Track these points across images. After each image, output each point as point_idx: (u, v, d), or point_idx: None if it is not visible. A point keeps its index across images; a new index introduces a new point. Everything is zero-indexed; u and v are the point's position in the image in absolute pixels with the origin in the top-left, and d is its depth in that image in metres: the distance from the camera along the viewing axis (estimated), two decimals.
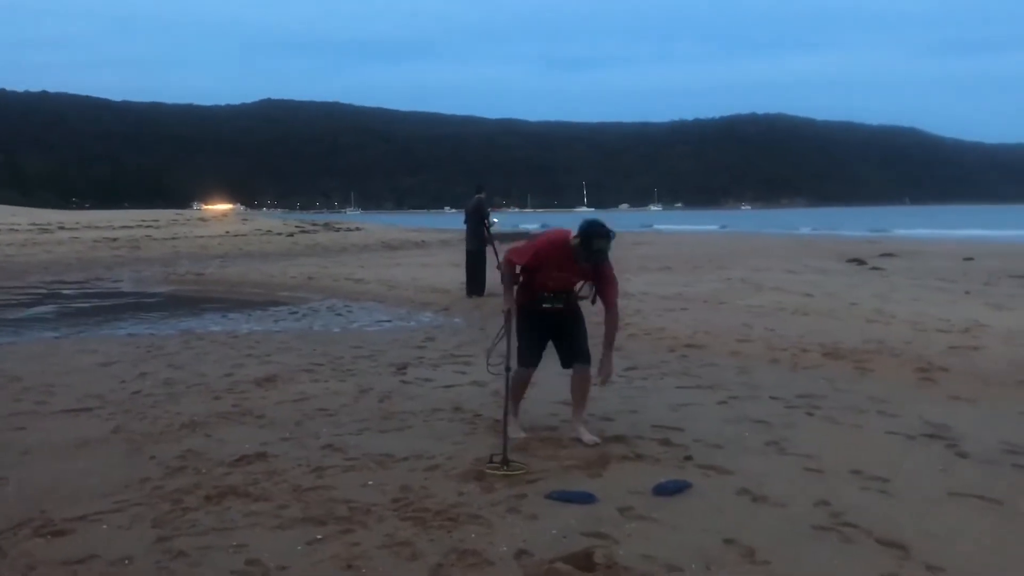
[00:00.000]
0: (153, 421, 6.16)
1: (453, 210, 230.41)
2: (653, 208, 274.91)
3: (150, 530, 4.05)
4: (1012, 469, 4.86)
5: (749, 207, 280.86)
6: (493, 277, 14.56)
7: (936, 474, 4.79)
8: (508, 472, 4.79)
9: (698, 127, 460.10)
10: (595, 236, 5.08)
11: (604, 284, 5.32)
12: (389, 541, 3.85)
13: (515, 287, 5.53)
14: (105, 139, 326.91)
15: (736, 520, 4.08)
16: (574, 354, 5.45)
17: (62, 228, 36.02)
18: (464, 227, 15.21)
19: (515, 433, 5.35)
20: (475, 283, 14.52)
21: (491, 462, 4.91)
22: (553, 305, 5.39)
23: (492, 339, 5.64)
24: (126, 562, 3.69)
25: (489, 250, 14.14)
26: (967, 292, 13.40)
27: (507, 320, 5.50)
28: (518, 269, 5.49)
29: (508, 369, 5.36)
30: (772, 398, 6.68)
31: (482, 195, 15.09)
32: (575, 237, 5.15)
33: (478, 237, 14.51)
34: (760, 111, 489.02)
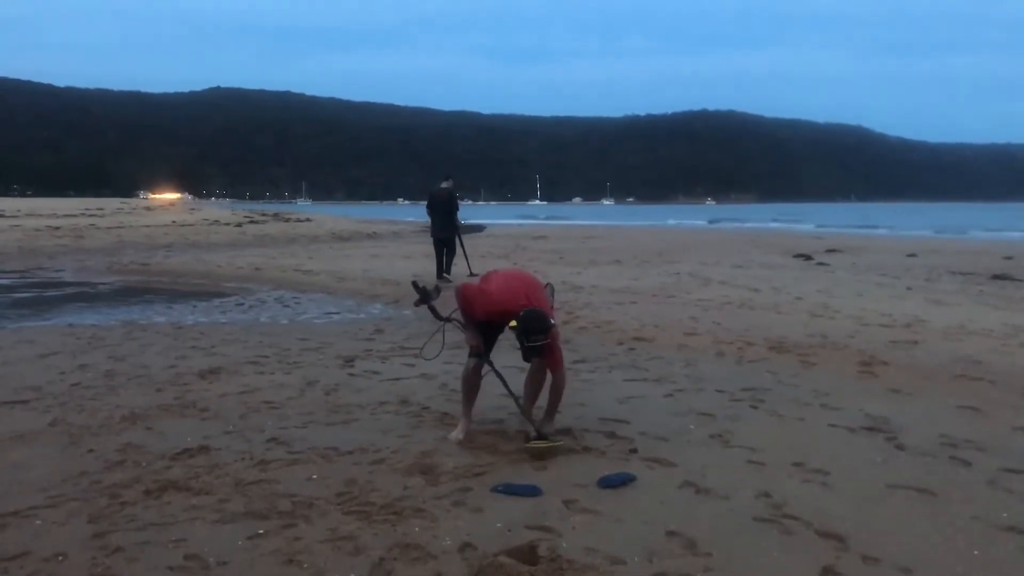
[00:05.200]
0: (92, 414, 6.02)
1: (407, 201, 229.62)
2: (605, 202, 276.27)
3: (86, 525, 3.96)
4: (948, 462, 4.97)
5: (713, 202, 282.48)
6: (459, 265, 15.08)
7: (875, 466, 4.87)
8: (550, 444, 4.98)
9: (650, 123, 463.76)
10: (531, 332, 4.90)
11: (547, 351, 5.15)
12: (332, 535, 3.81)
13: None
14: (49, 125, 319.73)
15: (679, 512, 4.12)
16: (533, 350, 5.37)
17: (2, 216, 35.10)
18: (427, 214, 15.92)
19: (458, 435, 5.32)
20: (444, 266, 15.53)
21: (528, 440, 5.07)
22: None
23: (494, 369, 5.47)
24: (60, 558, 3.60)
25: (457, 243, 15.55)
26: (909, 288, 13.71)
27: (478, 354, 5.43)
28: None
29: (491, 364, 5.40)
30: (717, 391, 6.75)
31: (449, 184, 15.52)
32: (512, 323, 4.96)
33: (448, 227, 15.41)
34: (711, 107, 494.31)
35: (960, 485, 4.55)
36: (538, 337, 4.92)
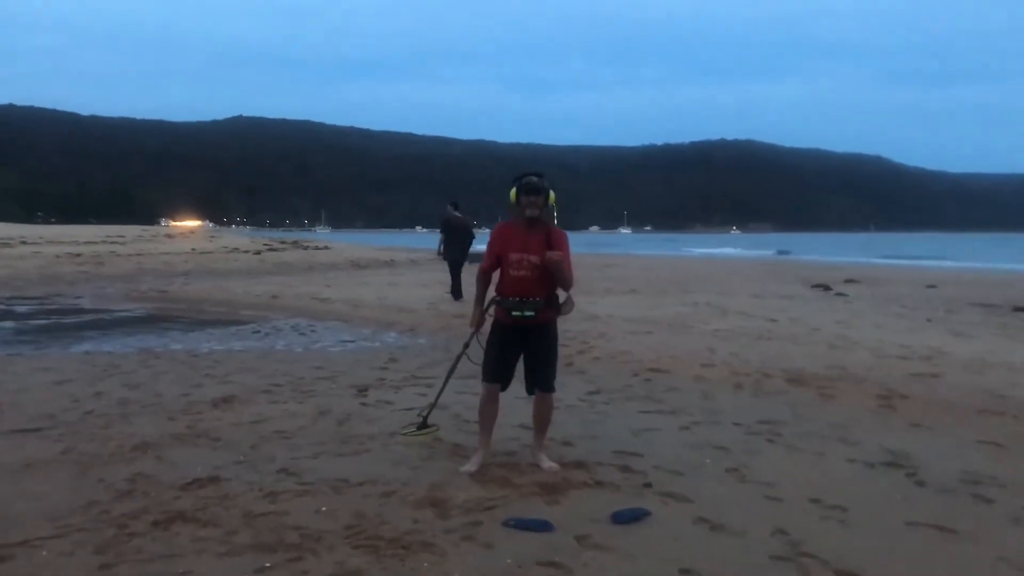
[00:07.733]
0: (104, 442, 6.01)
1: (424, 229, 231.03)
2: (623, 231, 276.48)
3: (92, 556, 3.92)
4: (970, 499, 4.86)
5: (737, 231, 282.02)
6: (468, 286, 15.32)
7: (895, 503, 4.77)
8: (419, 434, 5.57)
9: (668, 152, 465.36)
10: (524, 175, 5.37)
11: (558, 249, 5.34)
12: (339, 570, 3.76)
13: (486, 304, 5.56)
14: (73, 154, 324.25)
15: (693, 549, 4.03)
16: (537, 380, 5.36)
17: (24, 243, 35.40)
18: (441, 236, 16.61)
19: (470, 467, 5.28)
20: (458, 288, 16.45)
21: (419, 415, 5.68)
22: (523, 313, 5.24)
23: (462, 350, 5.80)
24: None
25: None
26: (929, 319, 13.54)
27: (472, 334, 5.63)
28: (493, 274, 5.52)
29: (466, 346, 5.67)
30: (734, 424, 6.66)
31: (456, 212, 15.99)
32: (512, 192, 5.37)
33: (466, 252, 16.38)
34: (729, 137, 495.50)
35: (983, 524, 4.44)
36: (531, 177, 5.34)
